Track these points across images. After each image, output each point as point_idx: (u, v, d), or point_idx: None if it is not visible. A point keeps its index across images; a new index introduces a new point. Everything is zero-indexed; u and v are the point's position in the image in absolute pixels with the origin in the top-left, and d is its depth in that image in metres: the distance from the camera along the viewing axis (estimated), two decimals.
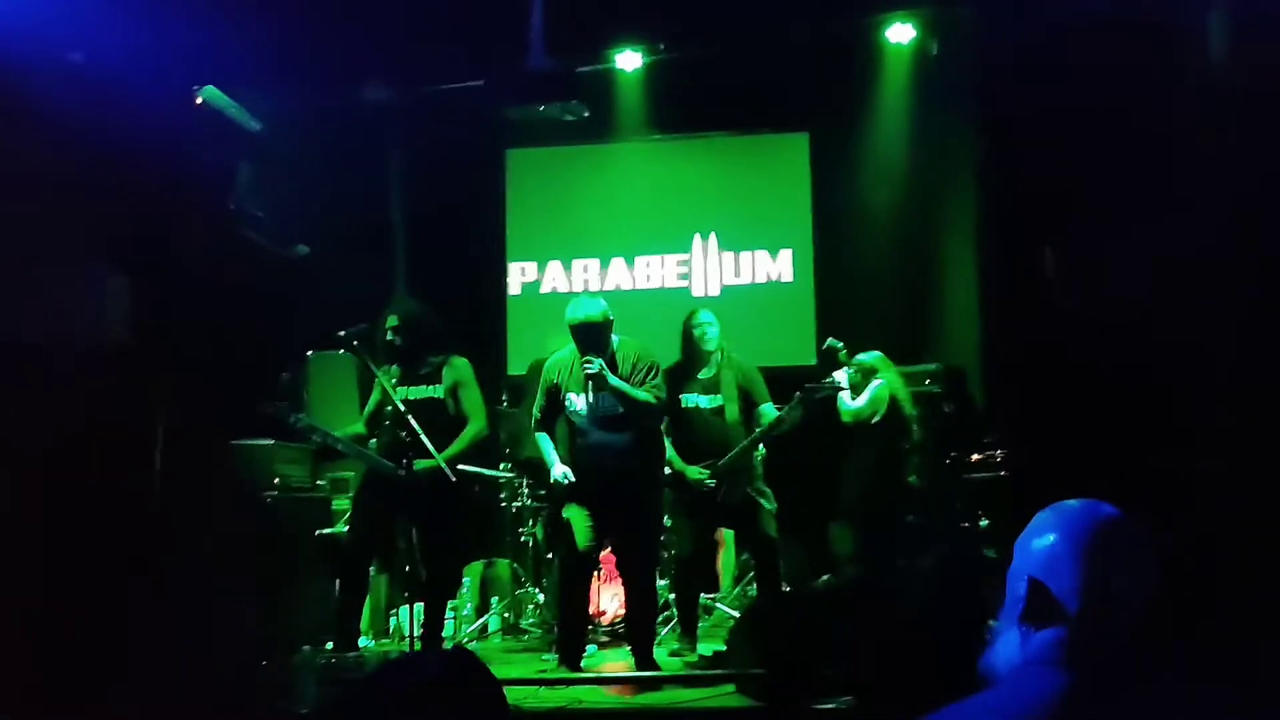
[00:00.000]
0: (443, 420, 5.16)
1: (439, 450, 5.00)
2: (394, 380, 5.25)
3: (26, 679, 3.94)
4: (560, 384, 4.94)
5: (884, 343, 6.37)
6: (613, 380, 4.77)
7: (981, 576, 4.71)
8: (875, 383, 5.94)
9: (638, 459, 4.88)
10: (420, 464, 4.99)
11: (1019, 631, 1.43)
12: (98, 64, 4.89)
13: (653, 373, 4.88)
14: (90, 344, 4.97)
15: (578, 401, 4.88)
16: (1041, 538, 1.45)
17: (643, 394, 4.80)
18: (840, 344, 5.93)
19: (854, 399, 5.98)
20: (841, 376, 5.82)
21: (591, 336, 4.79)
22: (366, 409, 5.44)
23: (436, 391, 5.25)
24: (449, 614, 5.69)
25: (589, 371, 4.73)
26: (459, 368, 5.32)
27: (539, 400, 5.06)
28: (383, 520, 5.28)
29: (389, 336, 5.30)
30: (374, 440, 5.39)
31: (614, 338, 4.92)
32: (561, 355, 5.02)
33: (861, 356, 5.97)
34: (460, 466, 5.18)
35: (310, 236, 7.11)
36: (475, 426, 5.25)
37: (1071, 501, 1.48)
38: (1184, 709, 1.36)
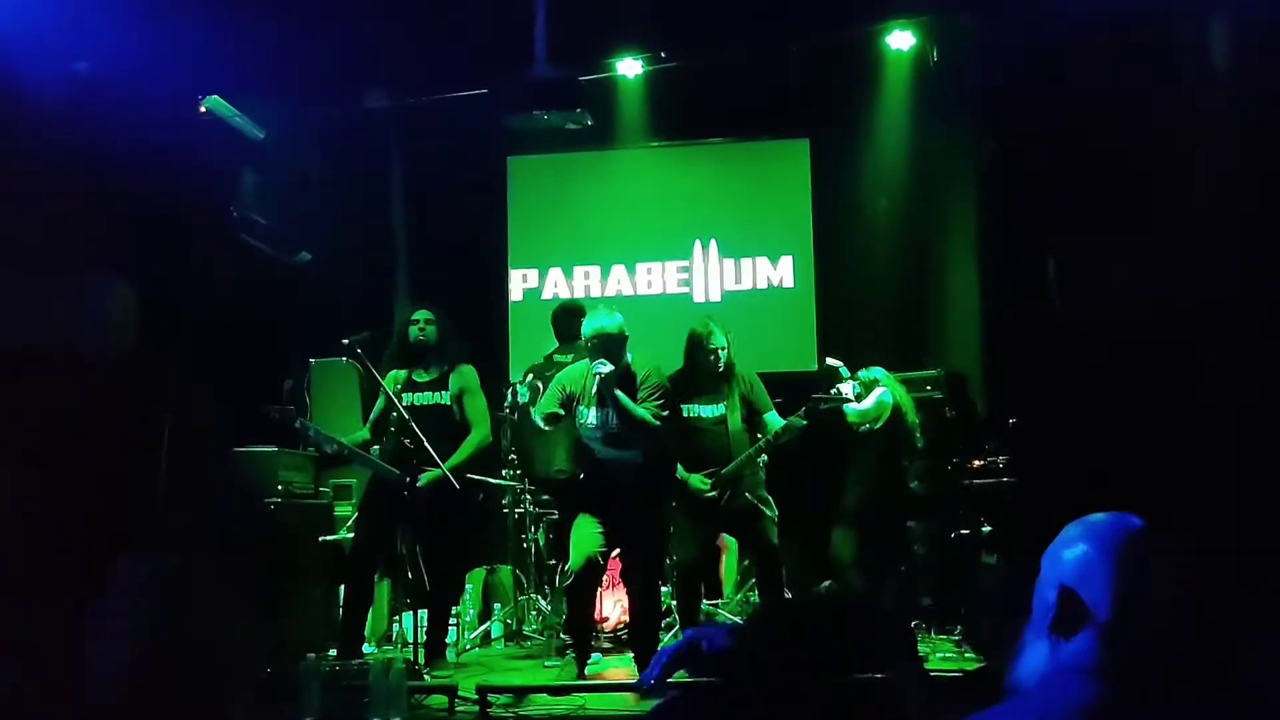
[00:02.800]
0: (448, 427, 5.18)
1: (443, 458, 5.01)
2: (399, 387, 5.27)
3: (29, 684, 3.95)
4: (574, 395, 4.94)
5: (885, 349, 6.38)
6: (617, 391, 4.77)
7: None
8: (879, 390, 5.96)
9: (644, 475, 4.88)
10: (425, 478, 5.01)
11: (1048, 641, 1.44)
12: (103, 74, 4.92)
13: (658, 394, 4.86)
14: (95, 351, 4.98)
15: (588, 415, 4.89)
16: (1072, 548, 1.47)
17: (641, 411, 4.79)
18: (839, 363, 5.95)
19: (859, 402, 5.99)
20: (847, 388, 5.86)
21: (606, 348, 4.79)
22: (372, 414, 5.45)
23: (442, 398, 5.28)
24: (451, 621, 5.70)
25: (599, 372, 4.74)
26: (465, 375, 5.34)
27: (553, 397, 4.99)
28: (387, 527, 5.30)
29: (414, 330, 5.31)
30: (377, 446, 5.40)
31: (629, 355, 4.92)
32: (574, 369, 5.02)
33: (863, 373, 6.00)
34: (466, 475, 5.19)
35: (313, 244, 7.14)
36: (479, 434, 5.28)
37: (1099, 515, 1.50)
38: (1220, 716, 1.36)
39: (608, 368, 4.74)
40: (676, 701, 1.39)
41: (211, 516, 5.51)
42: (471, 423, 5.26)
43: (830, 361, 6.00)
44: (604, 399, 4.80)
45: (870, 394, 5.95)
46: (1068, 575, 1.44)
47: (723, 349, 5.26)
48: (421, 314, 5.38)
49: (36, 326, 4.76)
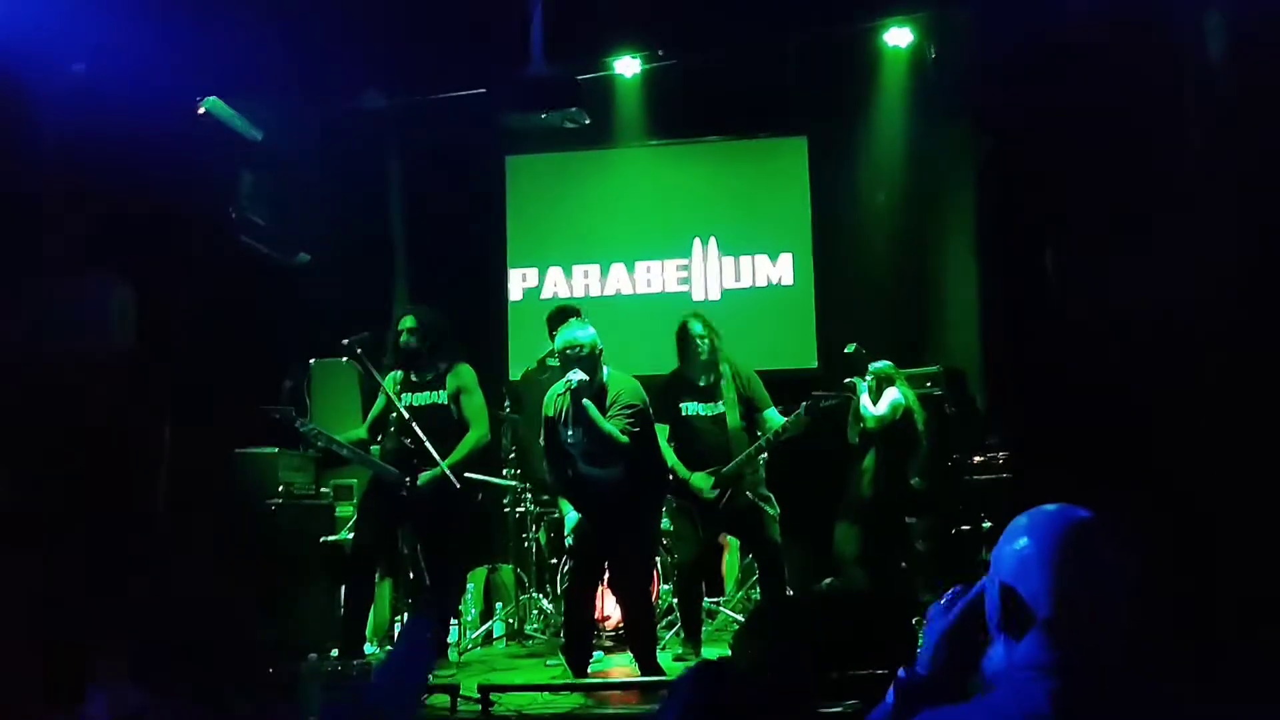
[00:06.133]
0: (446, 426, 5.18)
1: (442, 457, 5.01)
2: (398, 387, 5.27)
3: (28, 684, 3.96)
4: (554, 417, 4.92)
5: (884, 345, 6.39)
6: (586, 403, 4.72)
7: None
8: (892, 392, 6.00)
9: (626, 492, 4.82)
10: (424, 477, 5.01)
11: (1002, 639, 1.43)
12: (101, 75, 4.92)
13: (630, 412, 4.78)
14: (95, 352, 4.99)
15: (566, 434, 4.86)
16: (1014, 542, 1.45)
17: (609, 426, 4.72)
18: (865, 350, 6.00)
19: (874, 405, 6.02)
20: (860, 386, 5.91)
21: (577, 364, 4.74)
22: (371, 414, 5.46)
23: (440, 397, 5.28)
24: (453, 620, 5.71)
25: (570, 384, 4.72)
26: (463, 374, 5.34)
27: (544, 434, 5.03)
28: (388, 527, 5.30)
29: (403, 338, 5.32)
30: (376, 446, 5.41)
31: (606, 369, 4.88)
32: (551, 390, 4.99)
33: (873, 366, 6.02)
34: (466, 474, 5.19)
35: (312, 244, 7.14)
36: (477, 433, 5.27)
37: (1046, 506, 1.48)
38: (1177, 712, 1.36)
39: (580, 376, 4.70)
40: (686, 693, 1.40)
41: (213, 517, 5.52)
42: (470, 421, 5.26)
43: (855, 347, 6.03)
44: (576, 414, 4.77)
45: (883, 396, 5.98)
46: (1007, 572, 1.43)
47: (705, 335, 5.25)
48: (406, 321, 5.35)
49: (36, 327, 4.77)
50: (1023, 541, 1.44)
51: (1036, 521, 1.46)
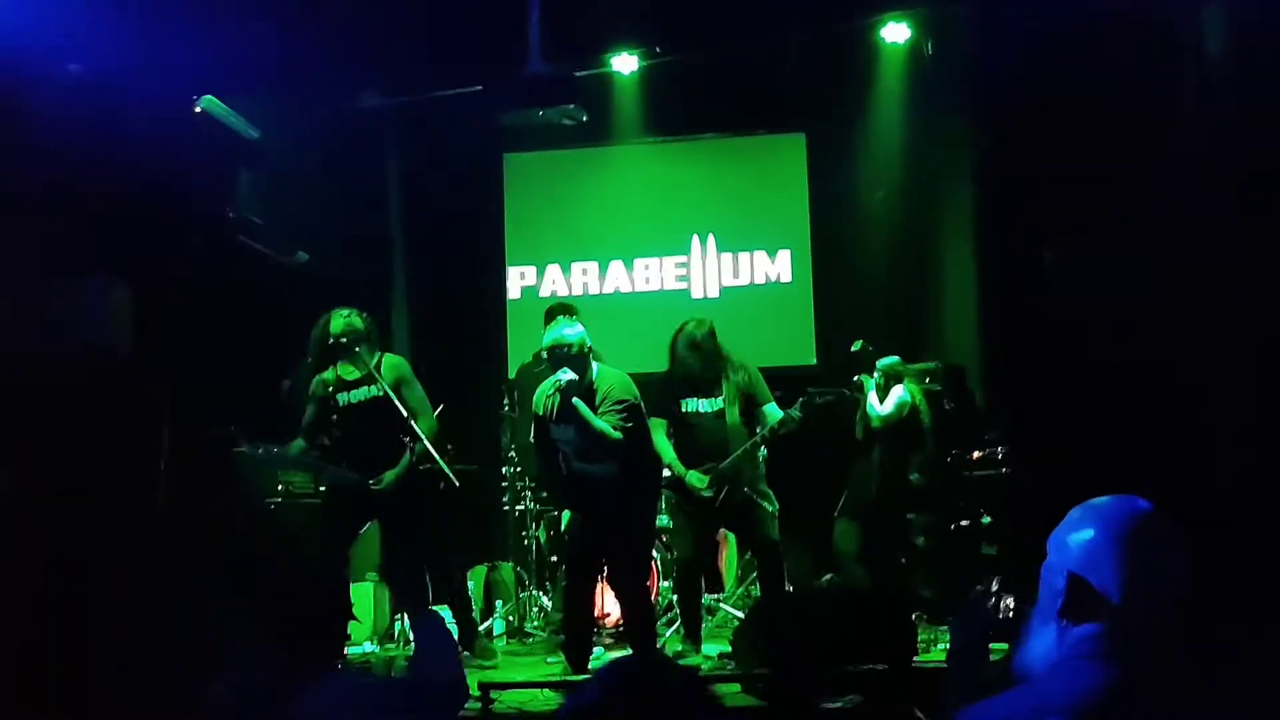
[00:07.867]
0: (390, 420, 5.04)
1: (390, 450, 4.98)
2: (330, 388, 5.13)
3: (27, 683, 3.96)
4: (544, 414, 4.91)
5: (883, 342, 6.39)
6: (576, 401, 4.71)
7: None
8: (899, 390, 6.00)
9: (620, 489, 4.82)
10: (388, 477, 4.97)
11: (1056, 627, 1.44)
12: (97, 75, 4.92)
13: (620, 407, 4.77)
14: (93, 353, 4.99)
15: (559, 431, 4.86)
16: (1079, 533, 1.46)
17: (600, 423, 4.71)
18: (871, 348, 6.00)
19: (880, 404, 6.02)
20: (868, 383, 5.92)
21: (566, 360, 4.74)
22: (305, 420, 5.21)
23: (376, 390, 5.09)
24: (452, 620, 5.68)
25: (559, 383, 4.72)
26: (399, 366, 5.21)
27: (535, 432, 5.04)
28: (348, 531, 5.24)
29: (335, 327, 5.10)
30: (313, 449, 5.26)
31: (595, 366, 4.87)
32: (541, 387, 4.98)
33: (881, 362, 6.03)
34: (423, 466, 5.11)
35: (310, 243, 7.13)
36: (427, 424, 5.13)
37: (1104, 498, 1.49)
38: (1224, 703, 1.37)
39: (569, 375, 4.70)
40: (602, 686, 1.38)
41: (212, 517, 5.52)
42: (415, 414, 5.09)
43: (861, 343, 6.03)
44: (568, 412, 4.76)
45: (890, 395, 5.98)
46: (1076, 562, 1.44)
47: (708, 341, 5.25)
48: (335, 324, 5.13)
49: (35, 328, 4.77)
50: (1089, 533, 1.45)
51: (1100, 513, 1.47)
